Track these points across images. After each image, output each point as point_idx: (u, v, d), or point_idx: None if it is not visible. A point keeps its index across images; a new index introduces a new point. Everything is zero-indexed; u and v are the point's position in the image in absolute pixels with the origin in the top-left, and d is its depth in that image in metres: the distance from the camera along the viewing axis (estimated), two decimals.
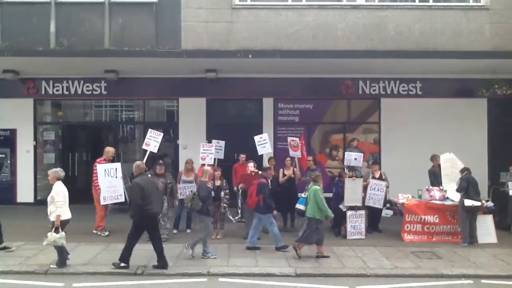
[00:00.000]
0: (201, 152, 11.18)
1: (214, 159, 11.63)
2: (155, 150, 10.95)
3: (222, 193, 10.51)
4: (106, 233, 10.90)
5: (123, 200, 10.73)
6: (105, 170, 10.56)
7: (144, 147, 10.98)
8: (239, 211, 10.78)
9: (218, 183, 10.60)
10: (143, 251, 9.29)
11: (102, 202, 10.70)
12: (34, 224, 11.74)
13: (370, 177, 11.20)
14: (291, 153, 11.65)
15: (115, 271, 8.18)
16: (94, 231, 10.95)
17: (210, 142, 11.93)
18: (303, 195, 9.52)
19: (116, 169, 10.66)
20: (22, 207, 13.98)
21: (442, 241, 10.40)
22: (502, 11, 12.07)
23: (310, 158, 11.70)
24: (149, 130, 11.26)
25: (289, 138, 11.94)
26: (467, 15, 12.10)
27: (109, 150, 11.24)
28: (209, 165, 11.30)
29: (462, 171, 10.55)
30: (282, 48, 11.91)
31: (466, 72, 13.39)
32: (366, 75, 14.09)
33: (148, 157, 10.78)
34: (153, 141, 10.89)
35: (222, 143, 11.96)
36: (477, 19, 12.10)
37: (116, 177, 10.62)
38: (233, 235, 10.62)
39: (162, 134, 11.14)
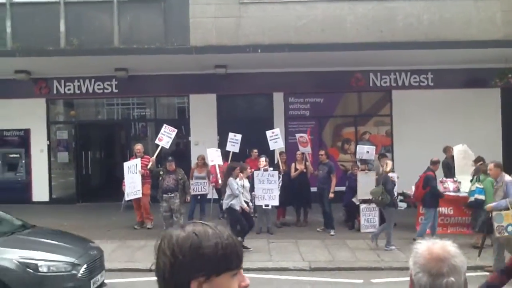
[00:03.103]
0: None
1: (228, 153, 11.64)
2: (167, 146, 11.01)
3: None
4: (148, 226, 11.23)
5: (140, 195, 10.83)
6: (128, 167, 10.79)
7: (156, 141, 11.04)
8: (252, 207, 10.78)
9: None
10: None
11: (126, 198, 10.97)
12: (50, 222, 11.86)
13: (381, 169, 11.15)
14: (301, 149, 11.62)
15: (130, 268, 8.26)
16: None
17: (222, 137, 11.91)
18: (478, 185, 9.21)
19: (136, 165, 10.80)
20: (38, 206, 14.14)
21: (457, 232, 10.30)
22: None
23: (322, 152, 11.66)
24: (164, 125, 11.29)
25: (297, 135, 11.90)
26: (477, 4, 11.93)
27: (135, 147, 11.55)
28: (223, 160, 11.36)
29: (476, 160, 10.46)
30: (291, 42, 11.86)
31: (478, 62, 13.20)
32: (376, 67, 13.99)
33: (160, 152, 10.87)
34: (166, 136, 10.92)
35: (239, 136, 11.70)
36: (487, 8, 11.92)
37: (136, 172, 10.74)
38: None
39: (176, 130, 11.17)
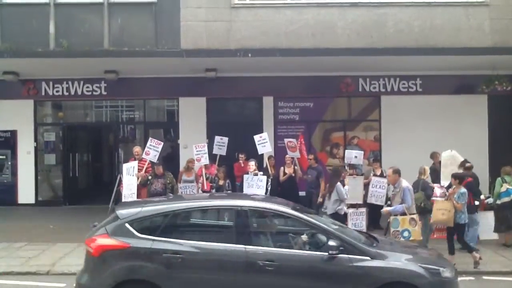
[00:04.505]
0: (195, 154, 11.18)
1: (216, 156, 11.62)
2: (155, 160, 10.90)
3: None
4: None
5: (135, 198, 10.77)
6: (126, 169, 10.76)
7: (144, 156, 10.96)
8: None
9: (221, 183, 10.56)
10: None
11: (123, 200, 10.78)
12: (35, 224, 11.79)
13: (372, 174, 11.20)
14: (290, 154, 11.62)
15: None
16: None
17: (211, 140, 11.94)
18: (508, 186, 9.40)
19: (133, 167, 10.76)
20: (23, 208, 14.02)
21: (443, 237, 10.32)
22: (502, 7, 12.03)
23: (311, 156, 11.68)
24: (150, 138, 11.26)
25: (286, 140, 11.90)
26: (467, 12, 12.07)
27: (134, 149, 11.58)
28: (205, 164, 11.35)
29: (461, 164, 10.55)
30: (282, 46, 11.88)
31: (466, 68, 13.37)
32: (366, 72, 14.08)
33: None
34: (153, 150, 10.86)
35: (226, 139, 11.77)
36: (476, 16, 12.06)
37: (133, 175, 10.69)
38: None
39: (162, 143, 11.10)
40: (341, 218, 9.15)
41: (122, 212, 6.02)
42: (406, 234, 7.70)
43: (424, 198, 9.03)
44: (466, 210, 8.66)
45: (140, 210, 5.97)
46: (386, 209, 8.33)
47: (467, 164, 10.30)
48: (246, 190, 10.40)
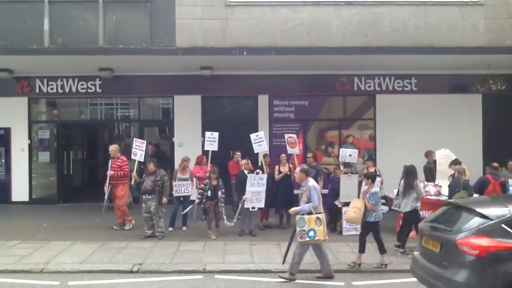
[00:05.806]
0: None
1: (208, 152, 11.59)
2: (142, 159, 10.98)
3: (220, 192, 10.47)
4: (126, 227, 11.20)
5: (105, 196, 11.14)
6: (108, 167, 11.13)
7: (133, 157, 11.03)
8: (238, 210, 10.73)
9: (214, 182, 10.51)
10: (139, 249, 9.31)
11: (105, 197, 11.30)
12: (29, 223, 11.75)
13: (365, 172, 11.20)
14: (289, 150, 11.60)
15: (111, 269, 8.17)
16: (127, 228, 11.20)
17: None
18: None
19: (110, 165, 11.09)
20: (17, 206, 13.98)
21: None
22: (496, 7, 12.09)
23: (310, 155, 11.67)
24: (134, 139, 11.41)
25: (286, 135, 11.89)
26: (462, 11, 12.12)
27: (110, 148, 11.59)
28: (203, 160, 11.34)
29: (452, 163, 10.58)
30: (277, 45, 11.89)
31: (461, 67, 13.44)
32: (361, 71, 14.12)
33: (139, 164, 11.12)
34: (139, 150, 10.96)
35: (216, 134, 11.58)
36: (471, 15, 12.11)
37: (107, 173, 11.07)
38: (228, 233, 10.61)
39: (145, 142, 11.23)
40: (418, 215, 9.32)
41: (490, 212, 6.02)
42: (311, 233, 7.61)
43: (467, 197, 9.04)
44: (379, 209, 8.65)
45: (509, 211, 5.97)
46: (293, 208, 8.26)
47: (495, 164, 10.27)
48: (249, 189, 10.45)
